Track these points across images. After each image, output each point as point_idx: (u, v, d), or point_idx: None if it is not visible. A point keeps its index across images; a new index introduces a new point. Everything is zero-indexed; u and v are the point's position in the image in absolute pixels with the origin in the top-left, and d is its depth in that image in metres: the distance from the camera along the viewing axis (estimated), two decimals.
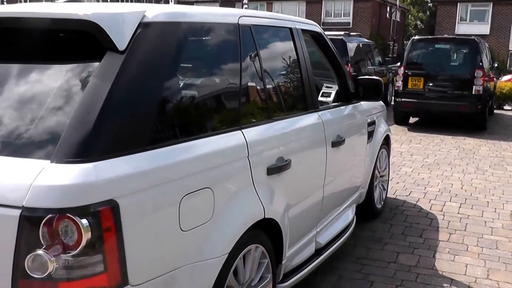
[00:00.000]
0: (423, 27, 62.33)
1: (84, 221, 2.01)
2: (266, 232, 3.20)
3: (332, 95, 5.07)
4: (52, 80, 2.41)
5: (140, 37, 2.45)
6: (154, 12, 2.59)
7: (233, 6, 47.58)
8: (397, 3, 49.22)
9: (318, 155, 4.00)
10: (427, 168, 8.82)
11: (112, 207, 2.10)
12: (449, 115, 13.35)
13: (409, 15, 62.86)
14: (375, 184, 5.81)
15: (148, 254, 2.31)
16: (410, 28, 63.09)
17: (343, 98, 4.92)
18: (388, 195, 6.61)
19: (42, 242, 2.01)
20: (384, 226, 5.79)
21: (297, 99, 4.00)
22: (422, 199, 6.93)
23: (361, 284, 4.38)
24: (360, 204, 5.50)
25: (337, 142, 4.30)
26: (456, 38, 14.95)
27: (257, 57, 3.39)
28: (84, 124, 2.16)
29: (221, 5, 39.01)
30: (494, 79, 16.19)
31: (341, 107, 4.75)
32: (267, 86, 3.50)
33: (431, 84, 13.05)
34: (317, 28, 4.64)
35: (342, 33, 15.70)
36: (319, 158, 4.01)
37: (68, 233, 2.02)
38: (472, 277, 4.59)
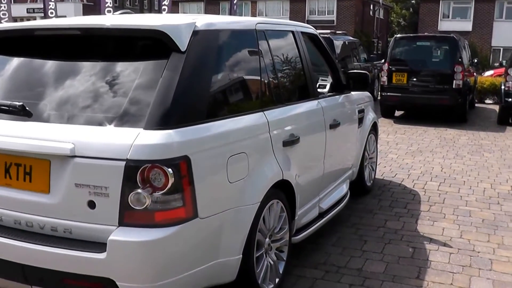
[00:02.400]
0: (406, 24, 63.39)
1: (169, 169, 2.89)
2: (284, 193, 4.08)
3: (327, 87, 5.92)
4: (135, 73, 3.25)
5: (194, 40, 3.33)
6: (200, 22, 3.49)
7: (218, 6, 47.16)
8: (380, 0, 50.14)
9: (319, 134, 4.87)
10: (411, 154, 9.71)
11: (187, 161, 2.98)
12: (431, 108, 14.18)
13: (392, 13, 63.91)
14: (365, 164, 6.70)
15: (209, 197, 3.18)
16: (393, 26, 64.16)
17: (336, 89, 5.78)
18: (376, 177, 7.50)
19: (139, 184, 2.87)
20: (373, 200, 6.69)
21: (301, 88, 4.86)
22: (406, 179, 7.83)
23: (357, 242, 5.26)
24: (353, 181, 6.37)
25: (334, 125, 5.18)
26: (436, 35, 15.84)
27: (270, 55, 4.27)
28: (164, 103, 3.04)
29: (206, 4, 39.83)
30: (474, 74, 17.04)
31: (336, 96, 5.62)
32: (279, 78, 4.38)
33: (414, 79, 13.90)
34: (313, 31, 5.52)
35: (328, 31, 16.56)
36: (320, 136, 4.88)
37: (156, 179, 2.89)
38: (448, 237, 5.48)
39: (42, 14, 42.83)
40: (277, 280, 4.06)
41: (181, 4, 50.23)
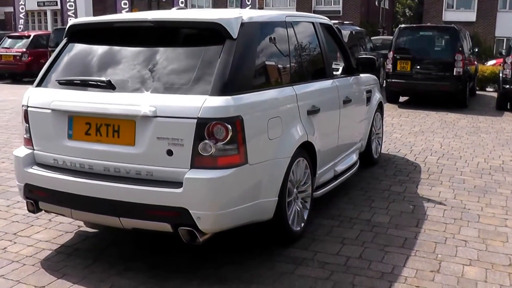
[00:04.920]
0: (411, 14, 64.01)
1: (229, 126, 3.86)
2: (308, 153, 5.02)
3: (340, 69, 6.86)
4: (198, 54, 4.22)
5: (242, 30, 4.29)
6: (245, 16, 4.45)
7: None
8: None
9: (335, 108, 5.82)
10: (414, 134, 10.65)
11: (241, 120, 3.95)
12: (433, 93, 15.09)
13: (398, 3, 64.51)
14: (372, 138, 7.67)
15: (255, 149, 4.14)
16: (398, 16, 64.78)
17: (348, 71, 6.72)
18: (382, 152, 8.47)
19: (206, 137, 3.84)
20: (380, 170, 7.66)
21: (320, 69, 5.81)
22: (408, 154, 8.79)
23: (366, 201, 6.24)
24: (362, 153, 7.32)
25: (346, 101, 6.13)
26: (438, 26, 16.82)
27: (296, 42, 5.23)
28: (223, 76, 4.00)
29: None
30: (475, 62, 17.92)
31: (347, 77, 6.58)
32: (303, 60, 5.35)
33: (417, 66, 14.81)
34: (329, 22, 6.46)
35: (337, 21, 17.44)
36: (335, 110, 5.84)
37: (218, 132, 3.85)
38: (443, 198, 6.43)
39: (55, 7, 43.69)
40: (302, 224, 5.03)
41: None
